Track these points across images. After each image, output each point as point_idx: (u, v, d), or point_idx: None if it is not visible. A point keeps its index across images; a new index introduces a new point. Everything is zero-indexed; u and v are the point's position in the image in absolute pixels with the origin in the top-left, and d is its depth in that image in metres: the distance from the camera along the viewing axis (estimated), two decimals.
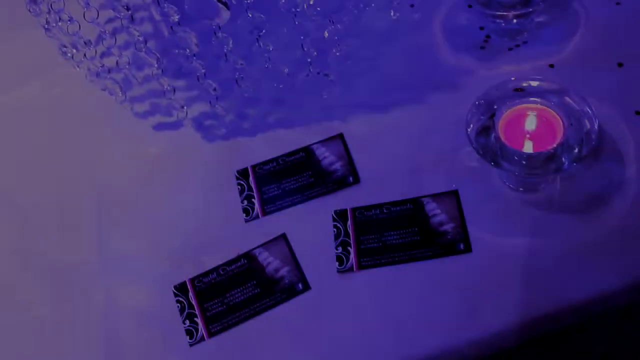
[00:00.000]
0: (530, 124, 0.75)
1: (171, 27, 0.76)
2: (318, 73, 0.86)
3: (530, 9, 0.86)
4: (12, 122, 1.03)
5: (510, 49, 0.89)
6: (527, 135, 0.75)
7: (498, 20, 0.89)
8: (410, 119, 0.86)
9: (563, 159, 0.73)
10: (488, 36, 0.91)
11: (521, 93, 0.77)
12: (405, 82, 0.89)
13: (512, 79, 0.79)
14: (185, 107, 0.89)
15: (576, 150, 0.73)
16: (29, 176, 0.95)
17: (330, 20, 0.80)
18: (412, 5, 0.95)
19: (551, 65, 0.86)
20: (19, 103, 1.04)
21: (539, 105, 0.76)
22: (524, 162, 0.74)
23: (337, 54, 0.84)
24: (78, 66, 0.91)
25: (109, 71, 0.87)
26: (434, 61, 0.90)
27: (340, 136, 0.86)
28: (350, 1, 0.81)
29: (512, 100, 0.77)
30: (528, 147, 0.74)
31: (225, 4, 0.73)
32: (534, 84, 0.78)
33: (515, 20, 0.88)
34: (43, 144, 0.98)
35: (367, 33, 0.94)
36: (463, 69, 0.89)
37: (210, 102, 0.87)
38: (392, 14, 0.90)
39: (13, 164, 0.97)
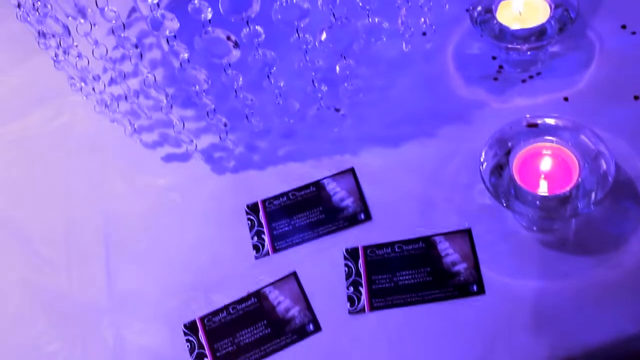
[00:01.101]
0: (545, 164, 0.73)
1: (180, 64, 0.75)
2: (329, 108, 0.85)
3: (545, 42, 0.84)
4: (20, 149, 1.02)
5: (523, 81, 0.88)
6: (542, 176, 0.73)
7: (511, 51, 0.88)
8: (422, 153, 0.85)
9: (578, 202, 0.72)
10: (501, 66, 0.90)
11: (536, 130, 0.76)
12: (417, 114, 0.88)
13: (527, 115, 0.77)
14: (194, 141, 0.88)
15: (592, 193, 0.72)
16: (37, 207, 0.95)
17: (342, 56, 0.79)
18: (424, 34, 0.94)
19: (565, 99, 0.85)
20: (27, 130, 1.04)
21: (554, 144, 0.74)
22: (538, 204, 0.72)
23: (349, 87, 0.83)
24: (87, 97, 0.90)
25: (118, 104, 0.86)
26: (446, 93, 0.89)
27: (352, 170, 0.85)
28: (361, 35, 0.79)
29: (526, 138, 0.75)
30: (543, 188, 0.72)
31: (235, 43, 0.72)
32: (549, 121, 0.77)
33: (529, 52, 0.87)
34: (51, 172, 0.98)
35: (379, 61, 0.93)
36: (476, 101, 0.87)
37: (220, 137, 0.86)
38: (404, 46, 0.88)
39: (21, 193, 0.97)
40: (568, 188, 0.71)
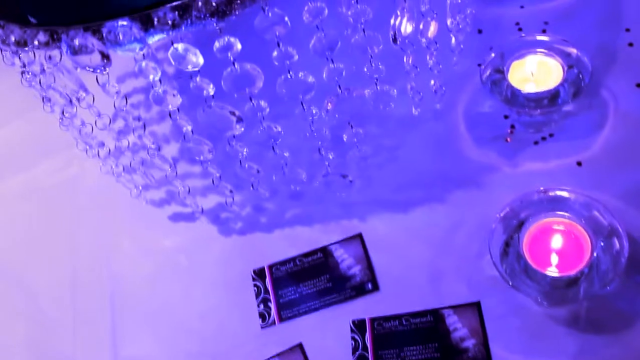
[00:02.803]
0: (557, 242, 0.72)
1: (184, 137, 0.74)
2: (336, 174, 0.83)
3: (558, 107, 0.82)
4: (27, 202, 1.02)
5: (535, 143, 0.86)
6: (553, 254, 0.71)
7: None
8: (432, 220, 0.83)
9: (590, 283, 0.70)
10: (513, 126, 0.88)
11: (548, 203, 0.74)
12: (427, 177, 0.86)
13: (540, 188, 0.75)
14: (200, 205, 0.87)
15: (604, 273, 0.70)
16: (44, 263, 0.94)
17: (349, 124, 0.78)
18: (435, 91, 0.92)
19: (579, 163, 0.83)
20: (34, 182, 1.04)
21: (566, 220, 0.72)
22: (548, 282, 0.71)
23: (357, 154, 0.81)
24: (92, 157, 0.90)
25: (123, 168, 0.85)
26: (456, 154, 0.87)
27: (359, 236, 0.84)
28: (370, 104, 0.78)
29: (538, 212, 0.74)
30: (553, 268, 0.70)
31: (238, 117, 0.71)
32: (562, 194, 0.75)
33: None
34: (58, 227, 0.97)
35: (387, 119, 0.92)
36: (487, 165, 0.85)
37: (226, 202, 0.85)
38: (413, 110, 0.87)
39: (28, 247, 0.97)
40: (579, 269, 0.69)
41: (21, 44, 0.70)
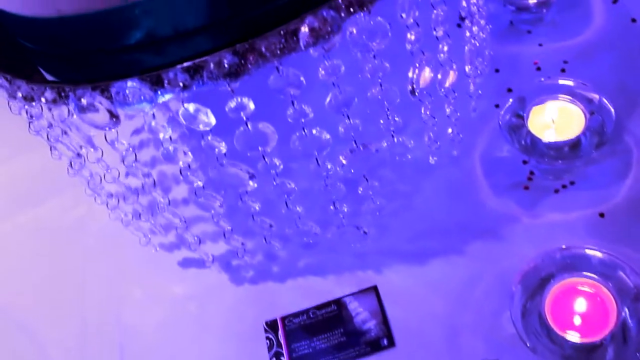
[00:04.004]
0: (580, 305, 0.69)
1: (195, 192, 0.72)
2: (351, 226, 0.81)
3: (579, 157, 0.80)
4: (34, 240, 1.01)
5: (556, 191, 0.83)
6: (576, 316, 0.69)
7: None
8: (449, 273, 0.81)
9: (615, 349, 0.67)
10: (532, 172, 0.85)
11: (571, 262, 0.72)
12: (443, 226, 0.84)
13: (563, 246, 0.73)
14: (211, 255, 0.85)
15: (634, 339, 0.67)
16: (52, 308, 0.93)
17: (364, 177, 0.75)
18: (450, 132, 0.89)
19: (601, 215, 0.80)
20: (42, 220, 1.02)
21: (590, 281, 0.70)
22: (570, 346, 0.68)
23: (372, 206, 0.79)
24: (101, 203, 0.88)
25: (132, 217, 0.83)
26: (473, 203, 0.85)
27: (374, 289, 0.82)
28: (387, 155, 0.76)
29: (561, 272, 0.71)
30: (575, 333, 0.68)
31: (252, 177, 0.69)
32: (585, 252, 0.72)
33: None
34: (66, 270, 0.96)
35: (403, 164, 0.89)
36: (505, 214, 0.83)
37: (237, 253, 0.83)
38: (430, 159, 0.84)
39: (35, 290, 0.95)
40: (603, 335, 0.67)
41: (28, 99, 0.68)
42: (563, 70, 0.92)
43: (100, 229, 0.97)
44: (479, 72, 0.81)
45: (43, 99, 0.66)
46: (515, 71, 0.95)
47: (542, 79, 0.86)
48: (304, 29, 0.59)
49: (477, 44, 0.79)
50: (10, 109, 0.75)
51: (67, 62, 0.69)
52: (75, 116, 0.66)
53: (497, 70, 0.95)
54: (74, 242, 0.98)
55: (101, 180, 0.78)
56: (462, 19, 0.89)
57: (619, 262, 0.71)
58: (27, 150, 1.09)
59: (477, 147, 0.89)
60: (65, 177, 0.99)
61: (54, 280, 0.95)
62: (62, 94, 0.65)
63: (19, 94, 0.68)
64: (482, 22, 0.81)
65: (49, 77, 0.73)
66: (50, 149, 0.79)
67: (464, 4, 0.73)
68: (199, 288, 0.88)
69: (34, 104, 0.68)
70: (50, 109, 0.70)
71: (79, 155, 0.74)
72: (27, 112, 0.72)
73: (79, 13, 0.62)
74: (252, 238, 0.84)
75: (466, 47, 0.78)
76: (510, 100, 0.84)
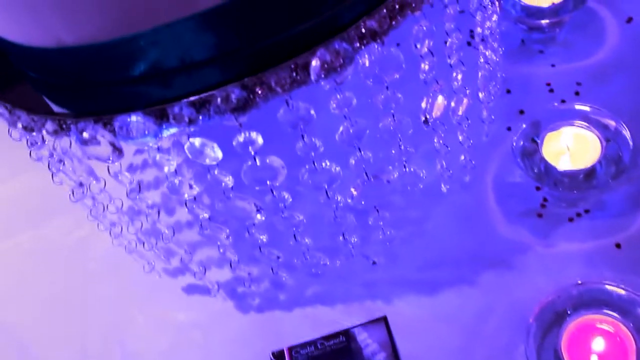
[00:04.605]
0: (598, 344, 0.67)
1: (200, 225, 0.70)
2: (360, 256, 0.79)
3: (595, 187, 0.77)
4: (36, 261, 0.98)
5: (570, 220, 0.81)
6: (593, 355, 0.67)
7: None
8: (460, 304, 0.79)
9: None
10: (545, 199, 0.83)
11: (588, 298, 0.70)
12: (455, 255, 0.82)
13: (579, 282, 0.71)
14: (217, 284, 0.83)
15: None
16: (53, 332, 0.90)
17: (375, 208, 0.73)
18: (462, 158, 0.87)
19: (618, 245, 0.78)
20: (44, 240, 1.00)
21: (609, 318, 0.68)
22: None
23: (382, 236, 0.77)
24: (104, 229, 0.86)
25: (136, 245, 0.81)
26: (486, 230, 0.83)
27: (384, 319, 0.79)
28: (398, 186, 0.73)
29: (577, 308, 0.69)
30: None
31: (260, 209, 0.67)
32: (603, 287, 0.70)
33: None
34: (67, 293, 0.93)
35: (413, 191, 0.87)
36: (518, 243, 0.81)
37: (244, 283, 0.81)
38: (442, 187, 0.82)
39: (33, 315, 0.93)
40: None
41: (28, 129, 0.66)
42: (577, 93, 0.90)
43: (103, 251, 0.94)
44: (492, 97, 0.79)
45: (44, 131, 0.64)
46: (527, 92, 0.93)
47: (556, 104, 0.83)
48: (315, 63, 0.57)
49: (491, 69, 0.76)
50: (11, 135, 0.73)
51: (68, 92, 0.67)
52: (77, 148, 0.65)
53: (508, 91, 0.93)
54: (77, 263, 0.96)
55: (104, 209, 0.76)
56: (473, 36, 0.87)
57: (638, 298, 0.68)
58: (29, 169, 1.06)
59: (489, 172, 0.87)
60: (68, 197, 0.98)
61: (55, 302, 0.93)
62: (64, 126, 0.63)
63: (19, 125, 0.66)
64: (495, 44, 0.79)
65: (52, 105, 0.71)
66: (52, 175, 0.77)
67: (479, 29, 0.71)
68: (204, 315, 0.86)
69: (34, 133, 0.66)
70: (51, 140, 0.68)
71: (81, 184, 0.72)
72: (27, 141, 0.70)
73: (80, 44, 0.60)
74: (258, 266, 0.82)
75: (479, 73, 0.76)
76: (523, 125, 0.82)
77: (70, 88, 0.66)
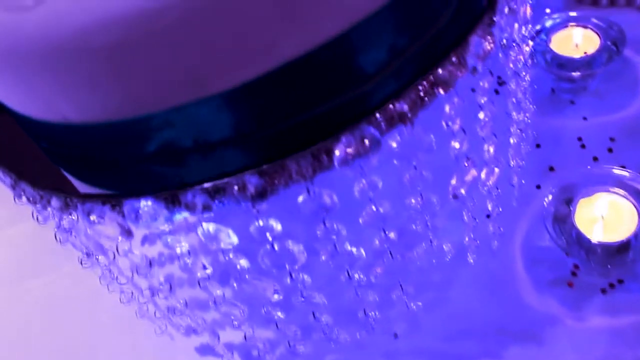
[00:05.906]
0: None
1: (214, 301, 0.66)
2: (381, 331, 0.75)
3: (629, 260, 0.73)
4: (44, 311, 0.95)
5: (603, 291, 0.77)
6: None
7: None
8: None
9: None
10: (576, 266, 0.79)
11: None
12: (480, 326, 0.78)
13: None
14: (233, 353, 0.80)
15: None
16: None
17: (399, 284, 0.69)
18: (488, 216, 0.83)
19: None
20: (53, 288, 0.97)
21: None
22: None
23: (405, 310, 0.73)
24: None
25: (147, 308, 0.78)
26: (512, 299, 0.79)
27: None
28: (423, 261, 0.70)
29: None
30: None
31: (277, 290, 0.63)
32: None
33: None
34: (73, 345, 0.90)
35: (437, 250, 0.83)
36: (547, 315, 0.77)
37: (258, 353, 0.77)
38: (469, 258, 0.78)
39: None
40: None
41: (33, 202, 0.63)
42: (610, 150, 0.85)
43: (111, 306, 0.90)
44: (522, 161, 0.75)
45: (49, 208, 0.61)
46: (557, 147, 0.88)
47: (589, 167, 0.79)
48: (339, 152, 0.53)
49: (524, 135, 0.72)
50: (15, 201, 0.69)
51: (79, 163, 0.63)
52: (84, 224, 0.61)
53: (538, 146, 0.89)
54: (86, 316, 0.93)
55: (114, 278, 0.73)
56: (501, 83, 0.82)
57: None
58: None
59: (517, 236, 0.83)
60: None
61: (64, 355, 0.90)
62: (69, 204, 0.59)
63: (23, 198, 0.63)
64: (529, 104, 0.75)
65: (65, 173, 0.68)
66: (60, 242, 0.74)
67: (514, 100, 0.67)
68: None
69: (39, 206, 0.63)
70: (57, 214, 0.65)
71: (88, 255, 0.69)
72: (33, 214, 0.67)
73: (87, 123, 0.56)
74: (274, 338, 0.79)
75: (511, 140, 0.72)
76: (553, 189, 0.78)
77: (79, 161, 0.63)
